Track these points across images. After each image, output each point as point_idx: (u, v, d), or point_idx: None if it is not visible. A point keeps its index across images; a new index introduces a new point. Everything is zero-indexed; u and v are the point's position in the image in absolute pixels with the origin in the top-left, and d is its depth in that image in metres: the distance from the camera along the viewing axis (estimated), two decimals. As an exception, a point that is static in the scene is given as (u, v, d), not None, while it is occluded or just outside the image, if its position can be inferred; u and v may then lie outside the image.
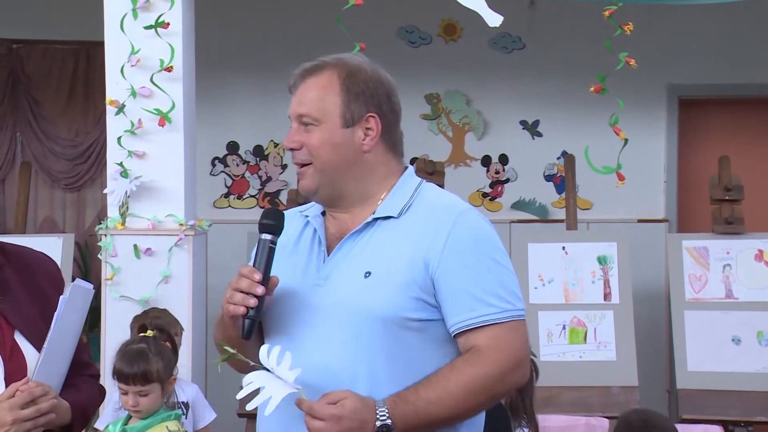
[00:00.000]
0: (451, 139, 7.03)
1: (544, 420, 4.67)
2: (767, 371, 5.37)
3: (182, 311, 4.58)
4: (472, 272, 2.19)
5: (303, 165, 2.29)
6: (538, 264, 5.66)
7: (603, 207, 6.87)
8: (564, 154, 6.62)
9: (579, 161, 5.83)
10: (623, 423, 3.53)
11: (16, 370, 2.39)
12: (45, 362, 2.38)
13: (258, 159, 7.03)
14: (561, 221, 6.30)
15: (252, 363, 2.14)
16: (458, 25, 6.92)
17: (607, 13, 4.35)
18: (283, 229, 2.26)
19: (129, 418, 3.35)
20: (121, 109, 4.70)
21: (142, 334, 3.40)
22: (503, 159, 7.01)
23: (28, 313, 2.46)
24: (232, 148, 7.04)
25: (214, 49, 6.52)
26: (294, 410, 2.10)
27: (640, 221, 6.85)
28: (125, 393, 3.30)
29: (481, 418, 2.31)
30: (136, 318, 4.38)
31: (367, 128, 2.28)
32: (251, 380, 2.11)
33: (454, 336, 2.20)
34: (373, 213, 2.27)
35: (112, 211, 4.75)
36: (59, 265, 2.68)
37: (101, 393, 2.66)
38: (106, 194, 4.80)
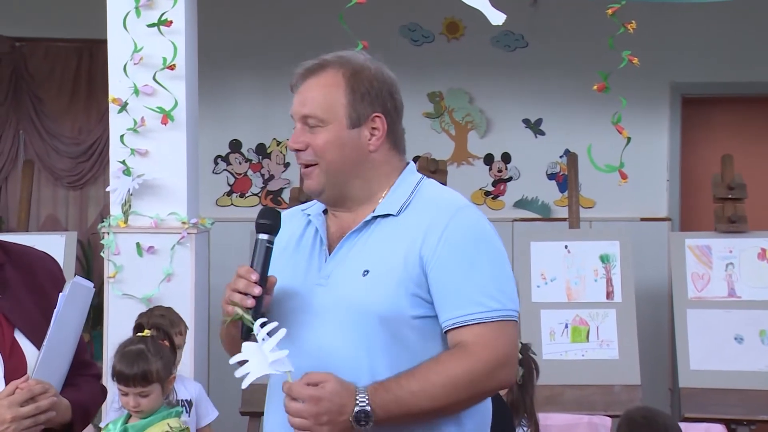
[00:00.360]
0: (454, 137, 7.03)
1: (546, 419, 4.67)
2: (770, 370, 5.37)
3: (185, 309, 4.58)
4: (464, 270, 2.18)
5: (308, 165, 2.27)
6: (540, 262, 5.66)
7: (606, 205, 6.86)
8: (567, 152, 6.61)
9: (582, 160, 5.83)
10: (626, 420, 3.54)
11: (16, 368, 2.38)
12: (45, 360, 2.38)
13: (260, 157, 7.03)
14: (563, 220, 6.30)
15: (254, 332, 2.11)
16: (461, 23, 6.92)
17: (610, 11, 4.35)
18: (279, 228, 2.25)
19: (129, 416, 3.34)
20: (123, 107, 4.70)
21: (139, 334, 3.39)
22: (506, 157, 7.01)
23: (29, 311, 2.45)
24: (235, 146, 7.04)
25: (217, 47, 6.51)
26: (278, 395, 2.10)
27: (642, 220, 6.85)
28: (125, 394, 3.29)
29: (488, 414, 2.31)
30: (141, 316, 4.38)
31: (373, 128, 2.27)
32: (244, 350, 2.09)
33: (444, 332, 2.20)
34: (373, 211, 2.27)
35: (115, 209, 4.75)
36: (62, 263, 2.68)
37: (103, 392, 2.65)
38: (108, 192, 4.80)
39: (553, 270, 5.64)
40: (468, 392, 2.16)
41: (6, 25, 6.88)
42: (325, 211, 2.35)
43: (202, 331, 4.86)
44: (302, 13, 6.78)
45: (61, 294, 2.41)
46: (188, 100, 4.75)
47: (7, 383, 2.35)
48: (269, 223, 2.24)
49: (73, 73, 7.02)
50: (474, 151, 7.02)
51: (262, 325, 2.10)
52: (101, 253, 4.81)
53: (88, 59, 6.97)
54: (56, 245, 5.49)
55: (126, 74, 4.68)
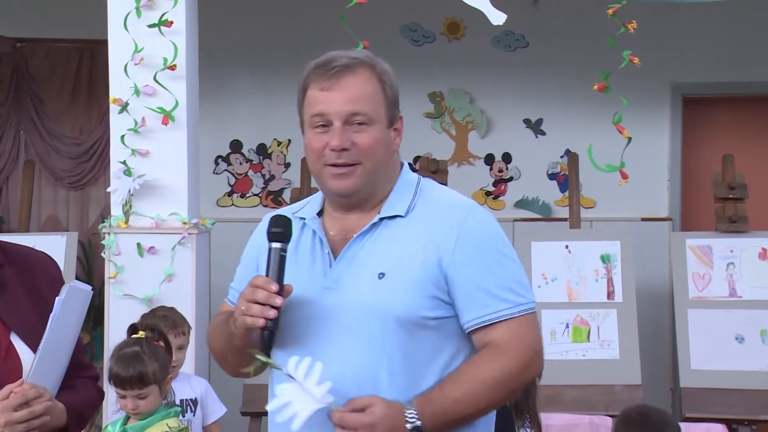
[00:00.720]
0: (455, 137, 7.03)
1: (547, 419, 4.67)
2: (771, 370, 5.37)
3: (185, 310, 4.58)
4: (484, 268, 2.20)
5: (349, 165, 2.23)
6: (541, 262, 5.66)
7: (606, 205, 6.86)
8: (567, 152, 6.61)
9: (582, 159, 5.83)
10: (622, 418, 3.55)
11: (11, 371, 2.37)
12: (40, 364, 2.36)
13: (261, 157, 7.03)
14: (564, 220, 6.30)
15: (285, 372, 2.10)
16: (462, 23, 6.92)
17: (610, 11, 4.35)
18: (291, 236, 2.23)
19: (128, 417, 3.33)
20: (124, 107, 4.70)
21: (134, 336, 3.38)
22: (506, 157, 7.01)
23: (25, 313, 2.44)
24: (236, 146, 7.04)
25: (218, 47, 6.52)
26: (310, 419, 2.08)
27: (643, 220, 6.85)
28: (123, 397, 3.28)
29: (494, 413, 2.32)
30: (144, 316, 4.37)
31: (395, 129, 2.30)
32: (280, 393, 2.09)
33: (468, 332, 2.21)
34: (379, 213, 2.26)
35: (116, 210, 4.75)
36: (62, 264, 2.67)
37: (100, 395, 2.64)
38: (109, 192, 4.80)
39: (553, 270, 5.64)
40: (507, 391, 2.20)
41: (7, 25, 6.88)
42: (319, 213, 2.34)
43: (203, 331, 4.84)
44: (303, 13, 6.78)
45: (57, 298, 2.40)
46: (189, 100, 4.76)
47: (1, 387, 2.34)
48: (282, 232, 2.21)
49: (73, 73, 7.02)
50: (475, 151, 7.02)
51: (285, 359, 2.08)
52: (102, 254, 4.81)
53: (88, 60, 6.98)
54: (57, 246, 5.49)
55: (127, 74, 4.68)
